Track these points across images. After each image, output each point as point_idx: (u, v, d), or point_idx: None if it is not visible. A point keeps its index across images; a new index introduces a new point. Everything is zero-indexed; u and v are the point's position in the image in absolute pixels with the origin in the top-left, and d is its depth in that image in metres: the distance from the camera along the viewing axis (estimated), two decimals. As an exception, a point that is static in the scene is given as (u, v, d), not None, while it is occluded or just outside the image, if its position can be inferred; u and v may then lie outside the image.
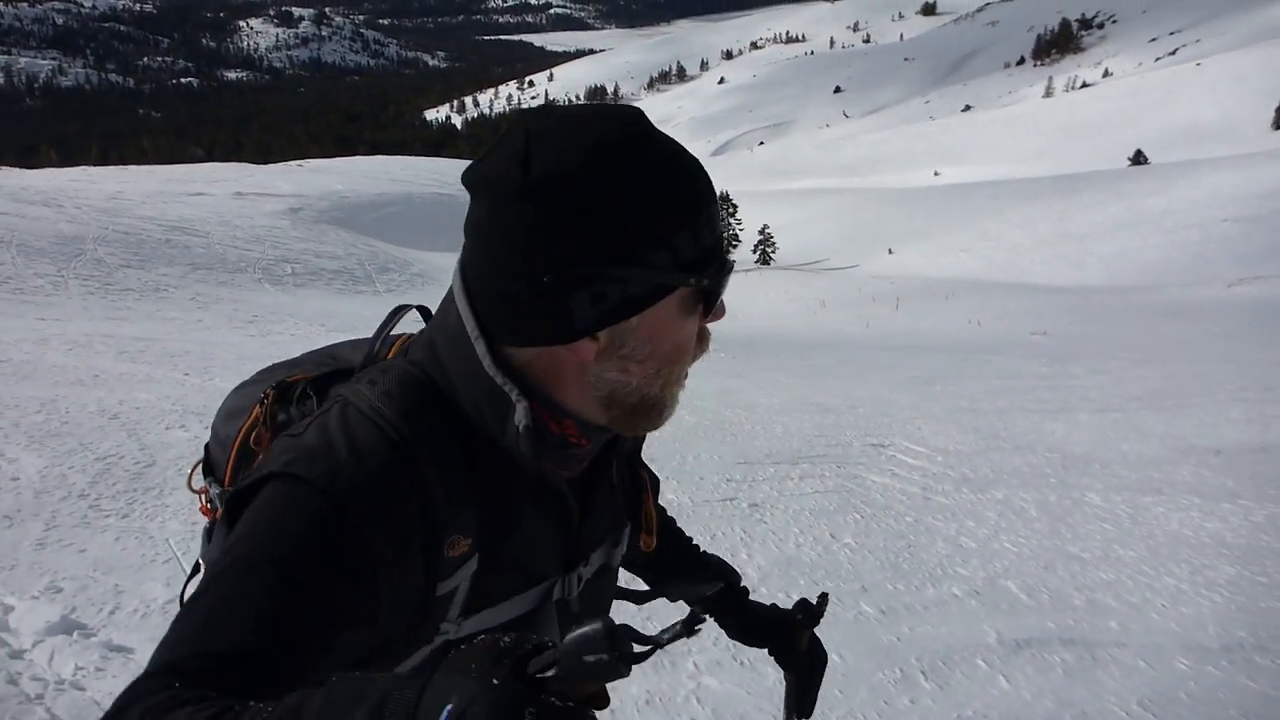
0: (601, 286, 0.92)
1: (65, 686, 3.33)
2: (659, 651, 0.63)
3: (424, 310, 1.20)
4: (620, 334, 0.96)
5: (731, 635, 1.58)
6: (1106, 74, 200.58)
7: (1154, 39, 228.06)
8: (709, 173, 0.99)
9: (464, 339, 1.00)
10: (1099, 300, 31.66)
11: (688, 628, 0.69)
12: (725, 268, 0.99)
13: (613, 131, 0.93)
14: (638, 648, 0.64)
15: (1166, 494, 7.25)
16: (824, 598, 1.51)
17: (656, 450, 1.30)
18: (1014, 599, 4.98)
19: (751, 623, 1.55)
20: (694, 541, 1.63)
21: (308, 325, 15.68)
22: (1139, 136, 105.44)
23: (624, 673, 0.61)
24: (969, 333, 24.42)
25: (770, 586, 4.95)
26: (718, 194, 1.01)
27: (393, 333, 1.19)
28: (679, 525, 1.63)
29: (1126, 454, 8.69)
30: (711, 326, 1.05)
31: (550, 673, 0.62)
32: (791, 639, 1.52)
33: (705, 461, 7.58)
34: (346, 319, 17.77)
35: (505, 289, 0.95)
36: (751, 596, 1.59)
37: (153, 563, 4.56)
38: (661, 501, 1.43)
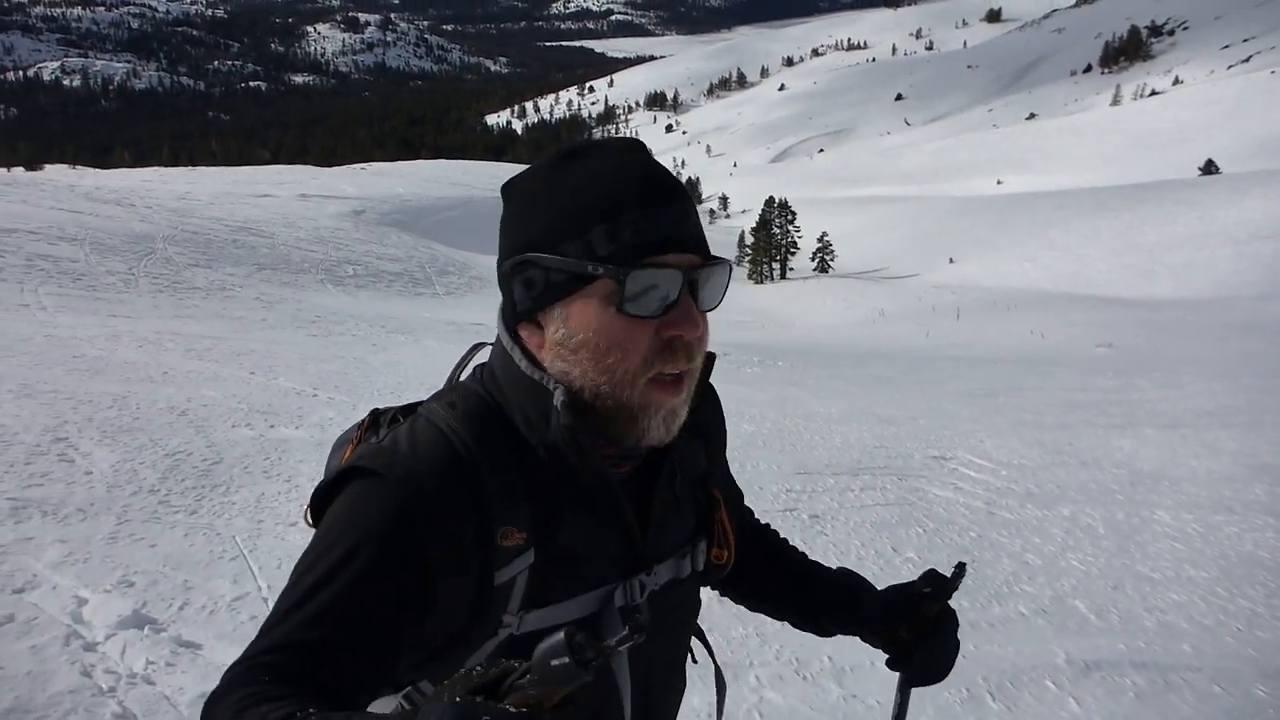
0: (531, 273, 1.07)
1: (137, 680, 3.39)
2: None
3: None
4: (556, 322, 1.07)
5: (869, 639, 1.48)
6: (1177, 82, 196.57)
7: (1226, 46, 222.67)
8: (674, 186, 1.08)
9: (506, 349, 1.15)
10: (1167, 313, 30.94)
11: (632, 634, 0.74)
12: (646, 267, 1.02)
13: (570, 148, 1.11)
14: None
15: (1240, 513, 7.04)
16: (961, 567, 1.42)
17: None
18: (1082, 619, 4.86)
19: (883, 610, 1.44)
20: (813, 561, 1.54)
21: (369, 326, 15.87)
22: (1211, 146, 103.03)
23: (586, 676, 0.68)
24: (1032, 344, 24.02)
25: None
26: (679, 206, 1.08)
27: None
28: (792, 548, 1.57)
29: (1196, 471, 8.47)
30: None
31: (525, 679, 0.68)
32: (918, 615, 1.42)
33: (764, 471, 7.53)
34: (406, 320, 17.96)
35: (499, 282, 1.15)
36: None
37: (220, 559, 4.63)
38: None
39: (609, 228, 1.03)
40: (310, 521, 1.10)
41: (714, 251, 1.10)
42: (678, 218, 1.06)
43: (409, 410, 1.24)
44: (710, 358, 1.21)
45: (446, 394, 1.17)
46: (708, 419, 1.33)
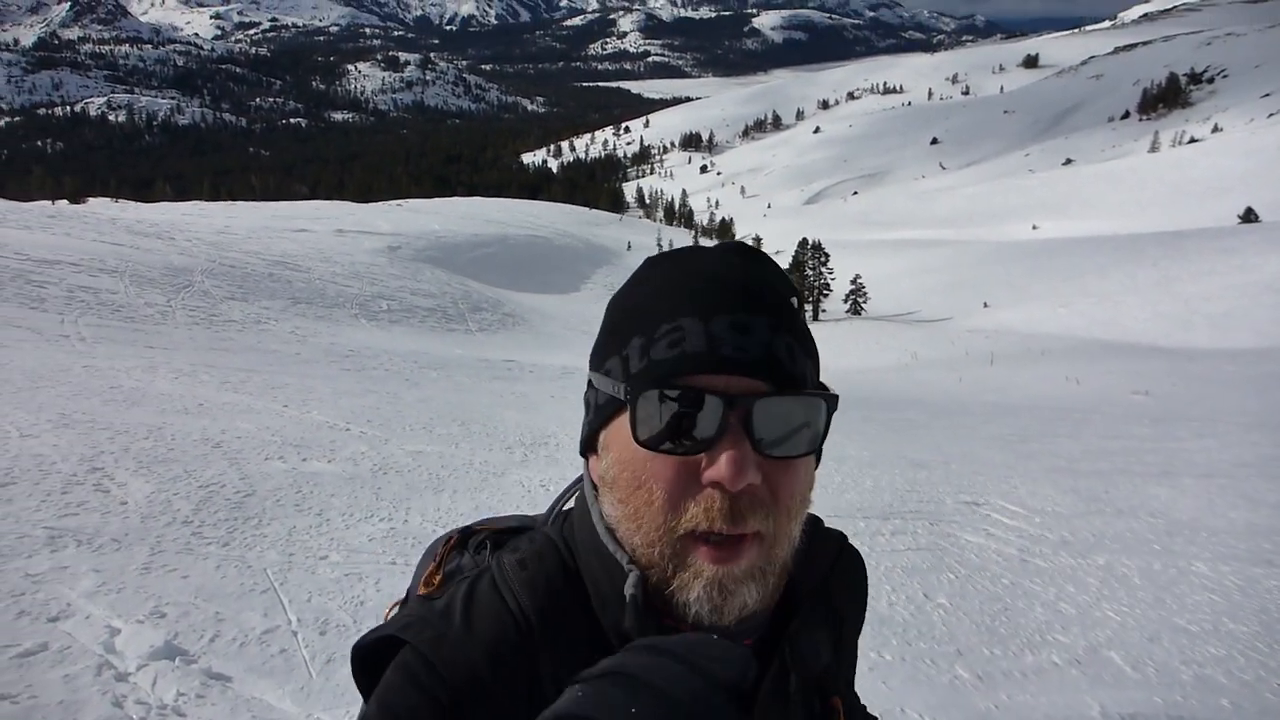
0: (588, 394, 0.94)
1: (167, 712, 3.40)
2: None
3: None
4: (602, 452, 0.92)
5: None
6: (1216, 129, 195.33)
7: (1267, 94, 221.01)
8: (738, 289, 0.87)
9: (585, 494, 0.97)
10: (1205, 362, 30.54)
11: None
12: (667, 387, 0.82)
13: (665, 251, 0.94)
14: None
15: (1280, 567, 6.92)
16: None
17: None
18: (1118, 670, 4.78)
19: None
20: None
21: (401, 362, 15.97)
22: (1251, 195, 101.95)
23: None
24: (1067, 391, 23.77)
25: (861, 645, 4.83)
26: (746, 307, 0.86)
27: None
28: None
29: (1235, 522, 8.33)
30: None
31: None
32: None
33: (794, 513, 7.46)
34: (438, 356, 18.07)
35: None
36: None
37: (251, 592, 4.65)
38: None
39: (645, 340, 0.86)
40: (355, 677, 0.96)
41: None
42: (738, 329, 0.84)
43: (501, 540, 1.10)
44: (850, 554, 1.05)
45: (522, 546, 0.99)
46: (845, 609, 1.11)
